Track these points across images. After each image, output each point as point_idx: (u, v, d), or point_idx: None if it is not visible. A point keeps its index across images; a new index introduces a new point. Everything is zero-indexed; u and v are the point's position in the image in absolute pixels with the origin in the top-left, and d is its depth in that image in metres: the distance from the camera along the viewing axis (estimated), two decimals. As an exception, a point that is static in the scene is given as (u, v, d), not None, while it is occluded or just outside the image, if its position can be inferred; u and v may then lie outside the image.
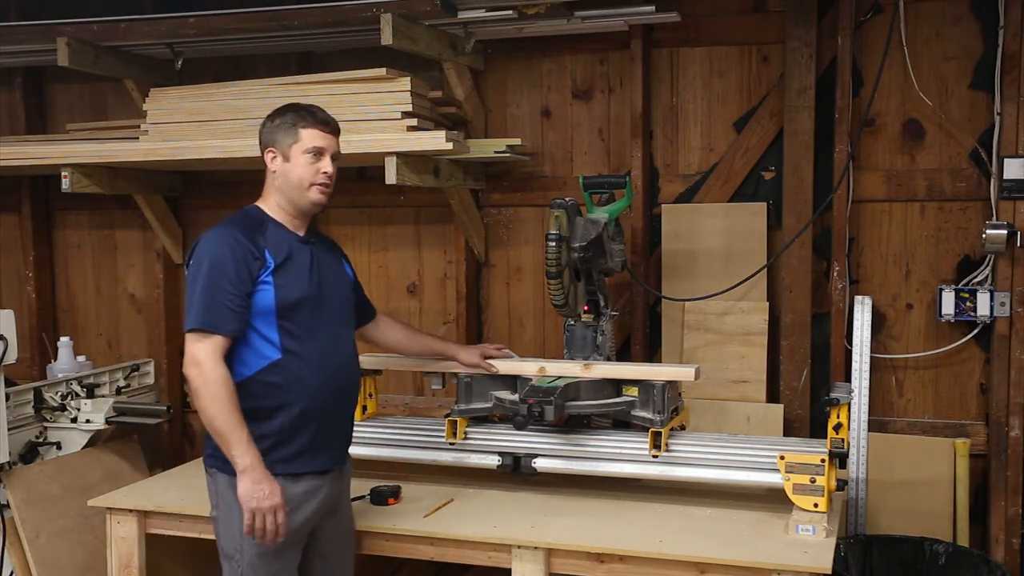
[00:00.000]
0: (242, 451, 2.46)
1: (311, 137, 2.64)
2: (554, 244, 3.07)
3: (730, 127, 3.86)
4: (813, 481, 2.81)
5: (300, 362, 2.58)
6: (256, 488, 2.46)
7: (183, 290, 4.58)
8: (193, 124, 3.83)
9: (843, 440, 2.83)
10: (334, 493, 2.73)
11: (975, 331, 3.59)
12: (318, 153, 2.64)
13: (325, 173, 2.65)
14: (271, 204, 2.69)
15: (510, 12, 3.57)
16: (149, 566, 3.15)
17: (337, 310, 2.74)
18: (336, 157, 2.70)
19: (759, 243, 3.77)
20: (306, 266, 2.65)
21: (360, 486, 3.14)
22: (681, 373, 3.08)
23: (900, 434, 3.67)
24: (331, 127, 2.69)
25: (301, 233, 2.70)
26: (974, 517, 3.57)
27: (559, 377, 3.08)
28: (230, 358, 2.55)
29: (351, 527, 2.87)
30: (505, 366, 3.21)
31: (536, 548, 2.73)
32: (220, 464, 2.57)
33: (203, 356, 2.47)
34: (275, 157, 2.66)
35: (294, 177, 2.64)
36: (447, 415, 3.26)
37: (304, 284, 2.63)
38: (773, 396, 3.76)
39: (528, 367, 3.17)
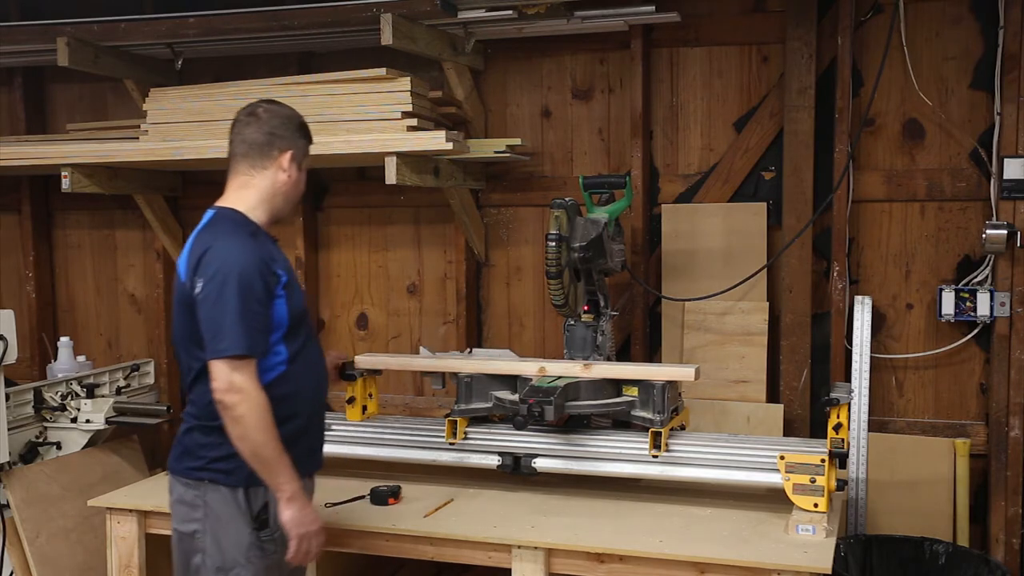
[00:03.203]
0: (288, 477, 2.40)
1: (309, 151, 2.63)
2: (554, 244, 3.08)
3: (730, 127, 3.86)
4: (813, 481, 2.81)
5: (301, 370, 2.55)
6: (304, 514, 2.44)
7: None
8: (193, 124, 3.83)
9: (843, 440, 2.83)
10: (310, 495, 2.71)
11: (975, 331, 3.59)
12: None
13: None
14: (255, 208, 2.52)
15: (510, 12, 3.58)
16: (149, 566, 3.15)
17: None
18: None
19: (759, 243, 3.77)
20: (294, 275, 2.59)
21: (360, 486, 3.15)
22: (681, 373, 3.08)
23: (900, 434, 3.67)
24: None
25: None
26: (974, 517, 3.57)
27: (559, 377, 3.08)
28: None
29: None
30: (505, 366, 3.22)
31: (536, 548, 2.73)
32: (220, 477, 2.47)
33: (245, 383, 2.34)
34: (295, 163, 2.55)
35: (301, 188, 2.60)
36: (447, 415, 3.25)
37: (302, 294, 2.59)
38: (773, 396, 3.76)
39: (528, 367, 3.17)
